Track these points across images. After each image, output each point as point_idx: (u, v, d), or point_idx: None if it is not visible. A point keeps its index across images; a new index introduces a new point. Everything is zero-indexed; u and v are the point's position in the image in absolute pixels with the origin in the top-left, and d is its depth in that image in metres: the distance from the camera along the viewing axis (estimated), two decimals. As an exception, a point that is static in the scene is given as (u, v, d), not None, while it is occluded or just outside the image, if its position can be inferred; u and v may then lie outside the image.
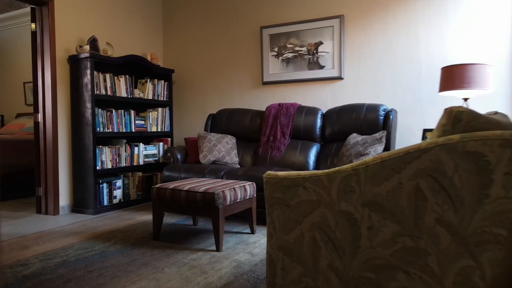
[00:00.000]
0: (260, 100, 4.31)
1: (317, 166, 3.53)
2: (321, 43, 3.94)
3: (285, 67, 4.14)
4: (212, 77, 4.60)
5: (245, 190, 2.75)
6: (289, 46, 4.11)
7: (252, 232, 2.88)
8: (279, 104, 3.87)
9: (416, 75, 3.53)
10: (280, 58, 4.16)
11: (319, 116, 3.69)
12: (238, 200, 2.66)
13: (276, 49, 4.18)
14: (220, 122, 4.11)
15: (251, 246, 2.58)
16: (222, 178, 3.32)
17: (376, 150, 3.00)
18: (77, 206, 3.72)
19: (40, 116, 3.63)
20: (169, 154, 3.81)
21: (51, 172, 3.59)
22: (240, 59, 4.41)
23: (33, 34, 3.63)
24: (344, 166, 1.25)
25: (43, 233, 2.95)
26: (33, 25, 3.62)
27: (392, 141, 3.20)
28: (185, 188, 2.60)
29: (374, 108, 3.38)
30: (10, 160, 4.69)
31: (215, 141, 3.74)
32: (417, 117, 3.52)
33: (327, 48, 3.91)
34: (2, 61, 6.52)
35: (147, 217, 3.48)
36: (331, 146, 3.55)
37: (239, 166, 3.78)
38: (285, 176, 1.40)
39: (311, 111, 3.71)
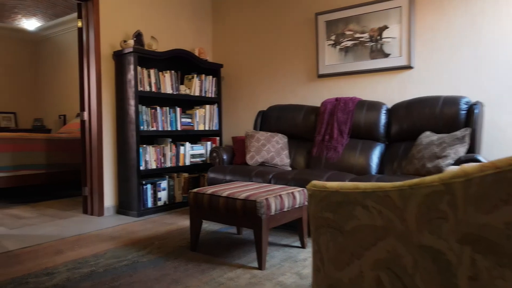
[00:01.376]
0: (315, 95, 3.88)
1: (380, 169, 3.02)
2: (386, 27, 3.40)
3: (343, 57, 3.66)
4: (263, 71, 4.26)
5: (294, 197, 2.35)
6: (348, 33, 3.63)
7: (303, 246, 2.48)
8: (336, 99, 3.41)
9: (506, 60, 2.87)
10: (338, 47, 3.69)
11: (384, 111, 3.17)
12: (285, 209, 2.28)
13: (333, 38, 3.72)
14: (270, 119, 3.75)
15: (300, 265, 2.18)
16: (269, 182, 2.95)
17: (457, 152, 2.43)
18: (122, 207, 3.59)
19: (86, 114, 3.55)
20: (214, 154, 3.52)
21: (96, 172, 3.49)
22: (293, 51, 4.01)
23: (80, 31, 3.55)
24: (428, 178, 0.81)
25: (82, 237, 2.80)
26: (79, 22, 3.54)
27: (477, 141, 2.60)
28: (224, 194, 2.27)
29: (453, 101, 2.79)
30: (68, 158, 4.75)
31: (264, 141, 3.38)
32: (508, 111, 2.86)
33: (393, 33, 3.36)
34: (64, 62, 6.77)
35: (190, 222, 3.23)
36: (398, 147, 3.02)
37: (290, 169, 3.39)
38: (337, 188, 1.00)
39: (374, 106, 3.20)
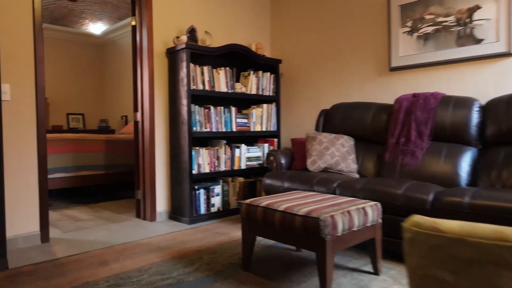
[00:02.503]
0: (386, 91, 3.38)
1: (473, 180, 2.48)
2: (477, 7, 2.82)
3: (422, 46, 3.13)
4: (325, 66, 3.84)
5: (365, 214, 1.94)
6: (428, 17, 3.09)
7: (376, 272, 2.05)
8: (414, 95, 2.90)
9: None
10: (415, 34, 3.16)
11: (476, 109, 2.61)
12: (354, 229, 1.88)
13: (409, 24, 3.20)
14: (334, 119, 3.33)
15: (373, 299, 1.77)
16: (334, 192, 2.55)
17: None
18: (174, 213, 3.41)
19: (139, 115, 3.42)
20: (271, 158, 3.20)
21: (148, 175, 3.34)
22: (360, 42, 3.54)
23: (133, 29, 3.43)
24: None
25: (130, 245, 2.63)
26: (133, 21, 3.42)
27: None
28: (281, 208, 1.92)
29: None
30: (126, 159, 4.73)
31: (327, 143, 2.98)
32: None
33: (487, 14, 2.77)
34: (126, 64, 6.89)
35: (244, 232, 2.93)
36: (496, 152, 2.45)
37: (357, 176, 2.95)
38: (463, 235, 0.60)
39: (463, 103, 2.65)
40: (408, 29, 3.21)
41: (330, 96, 3.81)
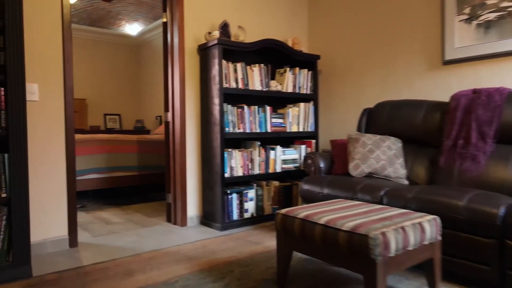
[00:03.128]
0: (439, 87, 3.02)
1: (549, 190, 2.10)
2: (552, -12, 2.42)
3: (482, 35, 2.75)
4: (368, 61, 3.53)
5: (423, 230, 1.65)
6: (489, 2, 2.71)
7: (433, 298, 1.75)
8: (474, 91, 2.54)
9: None
10: (475, 22, 2.79)
11: (552, 106, 2.22)
12: (409, 248, 1.59)
13: (467, 11, 2.83)
14: (379, 119, 3.02)
15: (434, 334, 1.48)
16: (381, 201, 2.26)
17: None
18: (206, 218, 3.24)
19: (169, 115, 3.28)
20: (309, 161, 2.94)
21: (179, 178, 3.19)
22: (408, 34, 3.20)
23: (164, 26, 3.29)
24: None
25: (158, 253, 2.48)
26: (164, 17, 3.28)
27: None
28: (322, 221, 1.67)
29: None
30: (158, 160, 4.64)
31: (371, 145, 2.69)
32: None
33: None
34: (161, 64, 6.86)
35: (279, 242, 2.70)
36: None
37: (407, 183, 2.64)
38: None
39: (536, 99, 2.27)
40: (465, 16, 2.84)
41: (373, 93, 3.50)
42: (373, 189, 2.32)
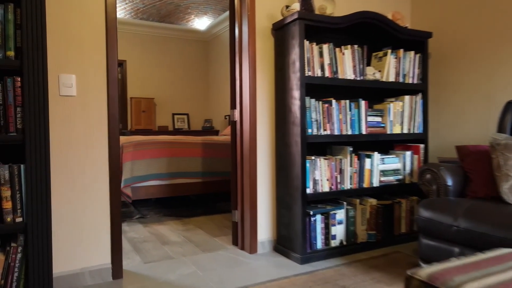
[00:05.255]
0: None
1: None
2: None
3: None
4: (499, 39, 2.54)
5: None
6: None
7: None
8: None
9: None
10: None
11: None
12: None
13: None
14: (535, 115, 2.05)
15: None
16: None
17: None
18: (281, 243, 2.54)
19: (236, 113, 2.64)
20: (429, 175, 2.08)
21: (248, 192, 2.53)
22: None
23: (231, 1, 2.66)
24: None
25: (218, 299, 1.84)
26: (232, -10, 2.65)
27: None
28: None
29: None
30: (228, 166, 4.07)
31: (533, 156, 1.75)
32: None
33: None
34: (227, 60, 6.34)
35: (387, 292, 1.90)
36: None
37: None
38: None
39: None
40: None
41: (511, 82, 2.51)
42: (557, 230, 1.42)
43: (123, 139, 3.71)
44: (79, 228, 2.03)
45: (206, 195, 4.69)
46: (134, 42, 6.62)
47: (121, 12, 6.25)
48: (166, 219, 3.57)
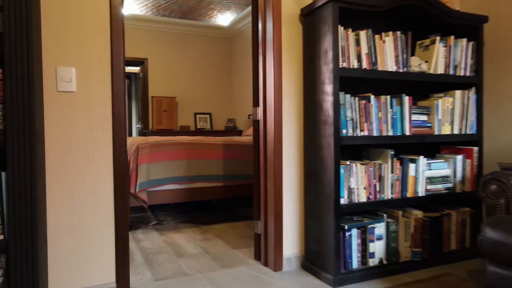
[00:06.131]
0: None
1: None
2: None
3: None
4: None
5: None
6: None
7: None
8: None
9: None
10: None
11: None
12: None
13: None
14: None
15: None
16: None
17: None
18: (310, 260, 2.21)
19: (259, 111, 2.33)
20: (495, 186, 1.71)
21: (272, 200, 2.22)
22: None
23: (254, -15, 2.36)
24: None
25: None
26: (254, -27, 2.35)
27: None
28: None
29: None
30: (251, 169, 3.78)
31: None
32: None
33: None
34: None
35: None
36: None
37: None
38: None
39: None
40: None
41: None
42: None
43: (139, 139, 3.49)
44: (79, 243, 1.78)
45: (227, 199, 4.41)
46: (156, 40, 6.44)
47: (142, 9, 6.08)
48: (183, 226, 3.31)
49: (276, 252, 2.24)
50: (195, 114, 6.66)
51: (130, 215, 3.65)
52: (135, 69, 7.85)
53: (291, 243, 2.28)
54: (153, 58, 6.39)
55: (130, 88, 8.28)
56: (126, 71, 7.92)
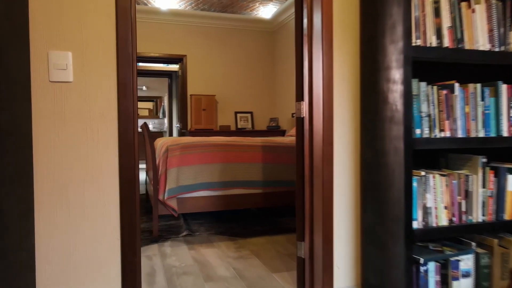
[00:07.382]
0: None
1: None
2: None
3: None
4: None
5: None
6: None
7: None
8: None
9: None
10: None
11: None
12: None
13: None
14: None
15: None
16: None
17: None
18: (368, 298, 1.72)
19: (304, 107, 1.87)
20: None
21: (320, 217, 1.76)
22: None
23: (298, -50, 1.90)
24: None
25: None
26: None
27: None
28: None
29: None
30: (290, 174, 3.33)
31: None
32: None
33: None
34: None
35: None
36: None
37: None
38: None
39: None
40: None
41: None
42: None
43: (169, 140, 3.15)
44: (75, 269, 1.43)
45: (267, 208, 3.98)
46: (195, 35, 6.16)
47: (181, 4, 5.82)
48: (217, 239, 2.92)
49: (325, 283, 1.77)
50: (236, 113, 6.31)
51: (160, 224, 3.33)
52: (175, 67, 7.66)
53: (343, 272, 1.80)
54: (192, 54, 6.11)
55: (170, 86, 8.12)
56: (166, 69, 7.76)
